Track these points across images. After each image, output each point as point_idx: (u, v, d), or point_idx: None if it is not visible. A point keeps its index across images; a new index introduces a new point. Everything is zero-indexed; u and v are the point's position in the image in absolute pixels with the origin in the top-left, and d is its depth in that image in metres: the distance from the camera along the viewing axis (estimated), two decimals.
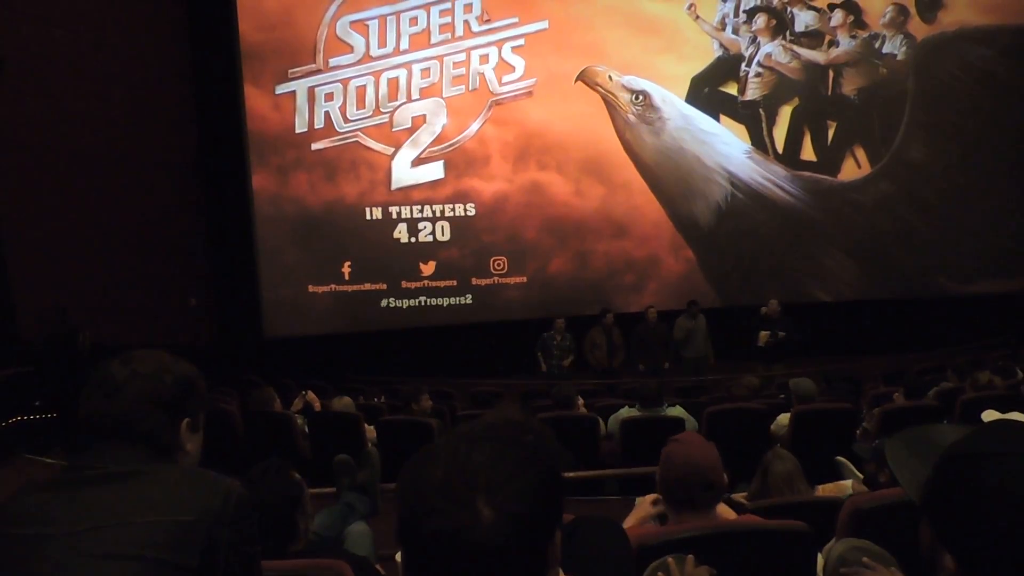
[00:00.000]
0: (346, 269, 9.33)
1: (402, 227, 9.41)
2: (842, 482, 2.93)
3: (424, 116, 9.26)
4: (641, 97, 9.38)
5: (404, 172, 9.32)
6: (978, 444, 0.84)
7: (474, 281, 9.59)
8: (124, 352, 1.26)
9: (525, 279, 9.69)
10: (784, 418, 4.51)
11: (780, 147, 9.88)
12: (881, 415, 4.31)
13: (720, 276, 9.87)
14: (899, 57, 9.81)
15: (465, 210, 9.51)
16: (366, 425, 4.76)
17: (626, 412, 4.70)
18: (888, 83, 9.83)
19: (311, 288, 9.32)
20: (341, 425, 4.74)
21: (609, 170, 9.63)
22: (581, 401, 5.08)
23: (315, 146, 9.17)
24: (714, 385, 7.58)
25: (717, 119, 9.76)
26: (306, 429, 4.82)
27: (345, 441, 4.42)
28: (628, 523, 1.96)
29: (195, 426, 1.29)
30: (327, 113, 9.12)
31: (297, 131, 9.13)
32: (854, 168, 9.95)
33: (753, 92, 9.78)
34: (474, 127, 9.40)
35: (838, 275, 10.02)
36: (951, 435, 0.91)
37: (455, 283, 9.54)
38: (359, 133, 9.21)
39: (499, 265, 9.63)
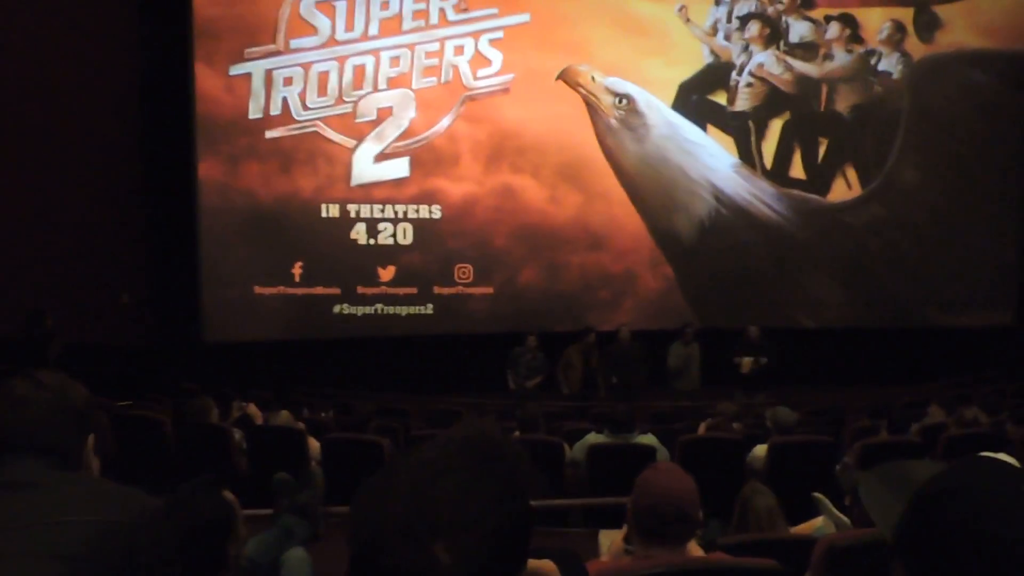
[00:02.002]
0: (297, 270, 9.27)
1: (360, 227, 9.38)
2: (815, 520, 2.94)
3: (391, 108, 9.25)
4: (625, 101, 9.47)
5: (366, 168, 9.30)
6: (952, 481, 0.85)
7: (436, 290, 9.58)
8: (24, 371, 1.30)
9: (492, 290, 9.71)
10: (761, 449, 4.57)
11: (769, 162, 10.06)
12: (861, 449, 4.40)
13: (699, 296, 9.98)
14: (895, 76, 10.07)
15: (430, 212, 9.50)
16: (311, 441, 4.74)
17: (594, 438, 4.72)
18: (883, 102, 10.09)
19: (258, 289, 9.24)
20: (283, 441, 4.74)
21: (587, 177, 9.71)
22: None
23: (270, 134, 9.11)
24: (690, 412, 7.64)
25: (704, 129, 9.91)
26: (244, 444, 4.80)
27: (286, 458, 4.39)
28: (604, 559, 1.97)
29: (97, 447, 1.34)
30: (285, 99, 9.06)
31: (251, 117, 9.06)
32: (844, 189, 10.17)
33: (743, 103, 9.96)
34: (444, 123, 9.41)
35: (823, 300, 10.21)
36: (927, 471, 0.93)
37: (415, 291, 9.52)
38: (319, 123, 9.17)
39: (464, 274, 9.63)
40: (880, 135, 10.13)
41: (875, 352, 9.85)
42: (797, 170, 10.15)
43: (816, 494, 3.57)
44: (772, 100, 10.01)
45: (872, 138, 10.16)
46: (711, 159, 9.88)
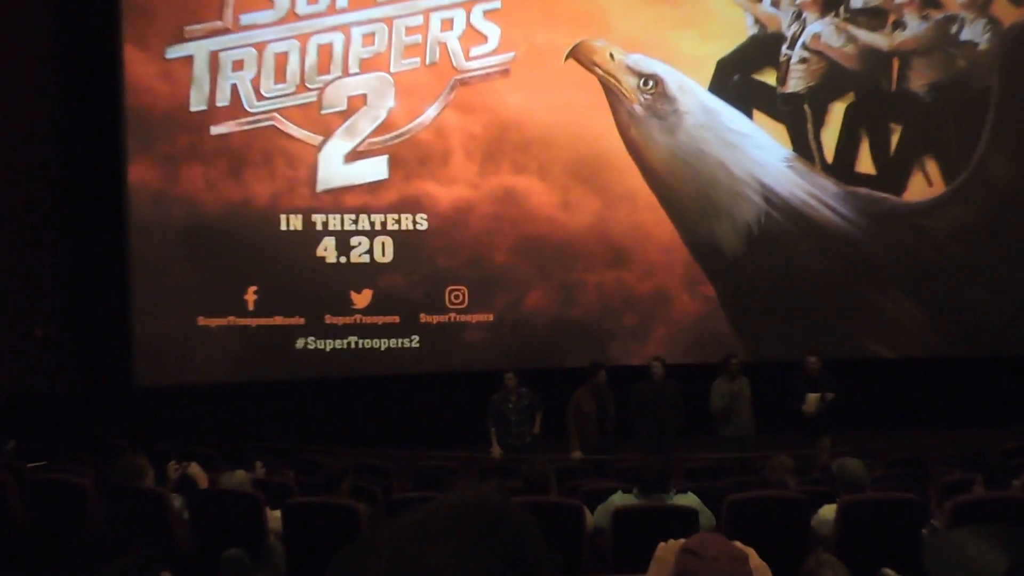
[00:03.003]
0: (251, 297, 9.30)
1: (329, 242, 9.42)
2: None
3: (364, 96, 9.32)
4: (651, 83, 9.54)
5: (335, 169, 9.35)
6: None
7: (423, 318, 9.60)
8: None
9: (492, 317, 9.75)
10: (828, 511, 4.58)
11: (830, 155, 10.10)
12: (953, 510, 4.37)
13: (747, 321, 10.00)
14: (981, 46, 10.13)
15: (414, 223, 9.54)
16: (268, 510, 4.74)
17: (620, 499, 4.72)
18: (967, 78, 10.16)
19: (202, 321, 9.26)
20: (234, 509, 4.74)
21: (607, 177, 9.75)
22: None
23: (216, 130, 9.16)
24: (738, 466, 7.68)
25: (749, 116, 9.97)
26: (186, 513, 4.80)
27: (239, 531, 4.43)
28: None
29: None
30: (234, 87, 9.13)
31: (192, 109, 9.12)
32: (923, 186, 10.21)
33: (796, 83, 10.02)
34: (430, 113, 9.47)
35: (899, 324, 10.20)
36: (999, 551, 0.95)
37: (398, 320, 9.55)
38: (276, 115, 9.23)
39: (457, 298, 9.65)
40: (965, 119, 10.18)
41: (963, 387, 9.84)
42: (865, 164, 10.19)
43: (886, 571, 3.54)
44: (832, 78, 10.08)
45: (956, 123, 10.22)
46: (758, 152, 9.93)
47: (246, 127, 9.20)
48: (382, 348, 9.51)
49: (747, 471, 7.34)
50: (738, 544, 1.90)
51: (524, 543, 0.87)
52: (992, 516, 4.15)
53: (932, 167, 10.23)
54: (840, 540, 4.32)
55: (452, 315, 9.66)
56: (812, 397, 8.03)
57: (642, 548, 4.05)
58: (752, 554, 1.90)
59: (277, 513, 4.74)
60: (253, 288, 9.28)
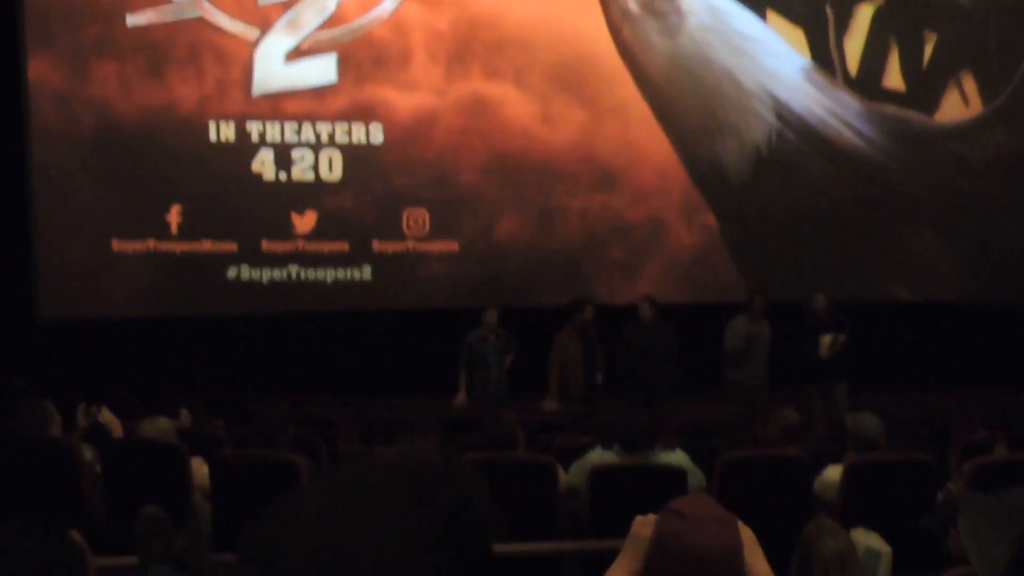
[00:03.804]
0: (174, 218, 9.28)
1: (267, 156, 9.41)
2: None
3: None
4: None
5: (274, 70, 9.31)
6: None
7: (377, 246, 9.66)
8: None
9: (457, 246, 9.81)
10: (834, 472, 4.70)
11: (853, 67, 10.12)
12: (972, 472, 4.53)
13: (754, 256, 10.13)
14: None
15: (368, 134, 9.53)
16: (194, 462, 4.78)
17: (599, 456, 4.80)
18: None
19: (117, 246, 9.26)
20: (153, 461, 4.79)
21: (595, 86, 9.75)
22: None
23: (132, 20, 9.05)
24: (740, 422, 7.76)
25: (763, 18, 9.97)
26: (97, 466, 4.83)
27: (158, 486, 4.44)
28: None
29: None
30: None
31: None
32: (959, 105, 10.27)
33: None
34: (388, 6, 9.41)
35: (928, 265, 10.38)
36: None
37: (347, 247, 9.59)
38: (204, 3, 9.14)
39: (417, 223, 9.70)
40: (1009, 29, 10.20)
41: (995, 338, 10.02)
42: (894, 78, 10.22)
43: (858, 531, 3.68)
44: None
45: (999, 32, 10.22)
46: (772, 60, 9.95)
47: (168, 17, 9.10)
48: (328, 280, 9.58)
49: (750, 427, 7.54)
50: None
51: (467, 506, 0.89)
52: (1013, 480, 4.18)
53: (969, 83, 10.27)
54: (845, 505, 4.42)
55: (410, 243, 9.71)
56: (825, 339, 8.28)
57: (622, 511, 4.11)
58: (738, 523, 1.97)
59: (204, 467, 4.79)
60: (177, 208, 9.25)
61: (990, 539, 0.98)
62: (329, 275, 9.59)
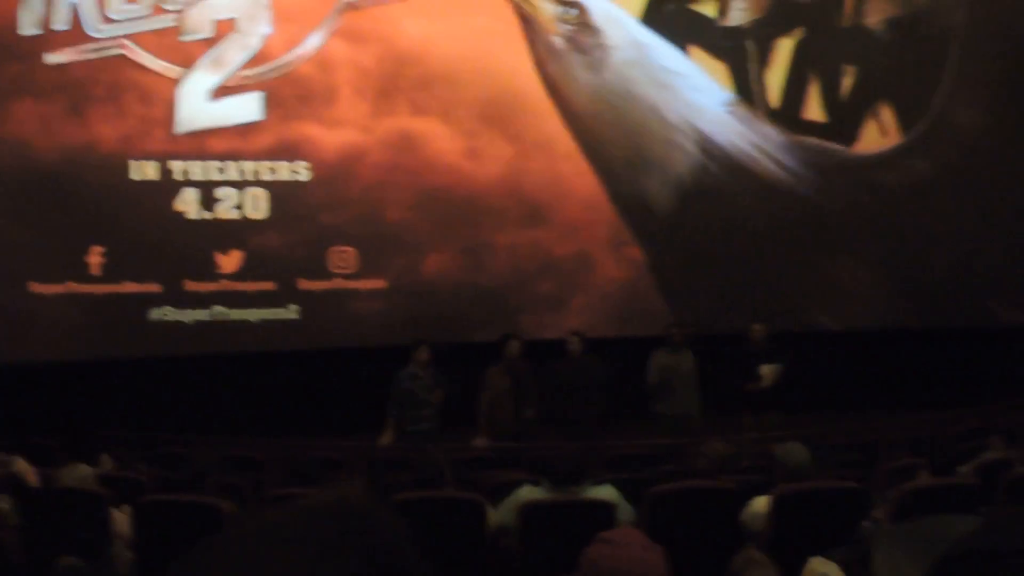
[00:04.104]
0: (95, 259, 9.30)
1: (190, 195, 9.49)
2: None
3: (234, 21, 9.41)
4: (573, 11, 9.87)
5: (198, 108, 9.41)
6: (990, 540, 0.96)
7: (303, 284, 9.79)
8: None
9: (385, 284, 9.97)
10: (760, 504, 4.71)
11: (775, 99, 10.63)
12: (898, 499, 4.64)
13: (680, 288, 10.42)
14: None
15: (293, 172, 9.72)
16: (115, 511, 4.81)
17: (528, 493, 4.84)
18: (929, 15, 10.75)
19: (35, 287, 9.22)
20: (72, 510, 4.74)
21: (521, 121, 10.04)
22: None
23: (52, 58, 9.08)
24: (670, 453, 7.89)
25: (685, 52, 10.40)
26: (13, 517, 4.83)
27: (78, 536, 4.42)
28: None
29: None
30: (74, 7, 9.08)
31: (22, 33, 9.03)
32: (878, 136, 10.85)
33: (739, 15, 10.50)
34: (313, 42, 9.62)
35: (849, 292, 10.85)
36: (964, 529, 1.03)
37: (273, 287, 9.70)
38: (126, 42, 9.22)
39: (344, 261, 9.86)
40: (925, 61, 10.79)
41: (919, 363, 10.48)
42: (814, 110, 10.76)
43: (815, 560, 3.97)
44: (779, 11, 10.59)
45: (915, 66, 10.82)
46: (695, 95, 10.37)
47: (89, 55, 9.13)
48: (254, 320, 9.65)
49: (682, 459, 7.52)
50: None
51: (390, 551, 0.91)
52: (935, 506, 4.44)
53: (888, 115, 10.85)
54: (772, 535, 4.47)
55: (337, 281, 9.83)
56: (766, 369, 8.58)
57: (552, 548, 4.29)
58: None
59: (126, 514, 4.79)
60: (98, 249, 9.25)
61: (905, 569, 1.06)
62: (255, 315, 9.63)
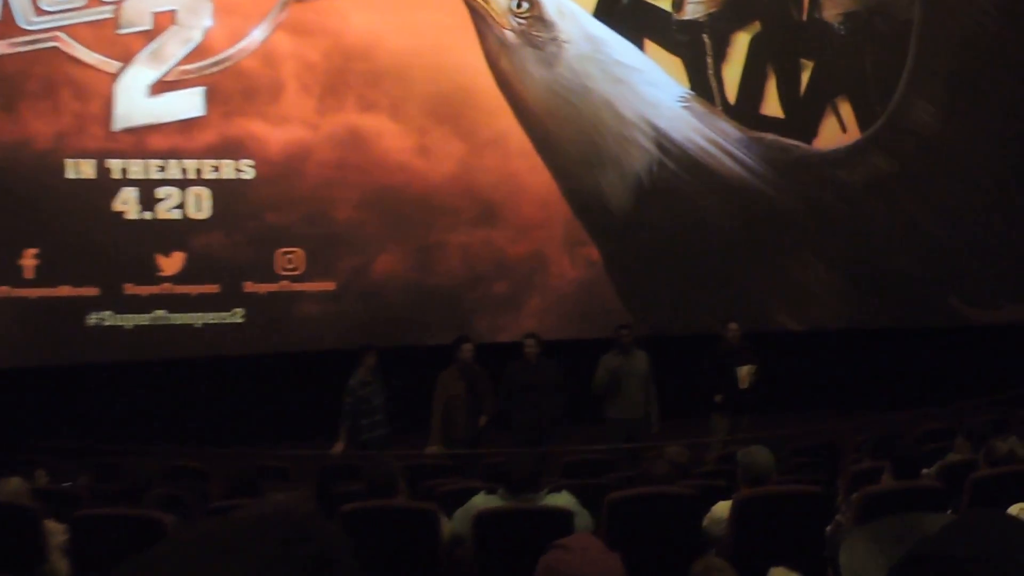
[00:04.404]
0: (29, 262, 9.28)
1: (130, 194, 9.53)
2: None
3: (174, 13, 9.49)
4: (526, 5, 10.07)
5: (137, 103, 9.46)
6: (950, 544, 0.98)
7: (249, 287, 9.87)
8: None
9: (333, 286, 10.09)
10: (722, 509, 4.86)
11: (732, 95, 10.93)
12: (862, 503, 4.69)
13: (638, 289, 10.67)
14: None
15: (237, 170, 9.80)
16: (50, 523, 4.78)
17: (483, 501, 4.90)
18: (887, 8, 11.11)
19: None
20: (4, 525, 4.75)
21: (472, 117, 10.23)
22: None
23: None
24: (627, 458, 8.21)
25: (640, 47, 10.67)
26: None
27: (11, 551, 4.47)
28: None
29: None
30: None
31: None
32: (836, 132, 11.22)
33: (695, 8, 10.78)
34: (257, 36, 9.74)
35: (811, 292, 11.19)
36: (930, 528, 1.07)
37: (217, 289, 9.77)
38: (61, 34, 9.23)
39: (291, 262, 9.95)
40: (885, 56, 11.17)
41: (881, 363, 10.85)
42: (771, 105, 11.10)
43: (777, 570, 4.14)
44: (735, 5, 10.90)
45: (873, 60, 11.20)
46: (650, 89, 10.63)
47: (22, 49, 9.15)
48: (198, 324, 9.69)
49: (638, 464, 7.45)
50: None
51: (329, 563, 0.93)
52: (899, 510, 4.65)
53: (846, 110, 11.21)
54: (734, 541, 4.58)
55: (285, 283, 9.92)
56: (743, 370, 8.76)
57: (508, 557, 4.34)
58: None
59: (60, 527, 4.76)
60: (32, 251, 9.22)
61: (867, 571, 1.07)
62: (198, 319, 9.69)
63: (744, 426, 8.83)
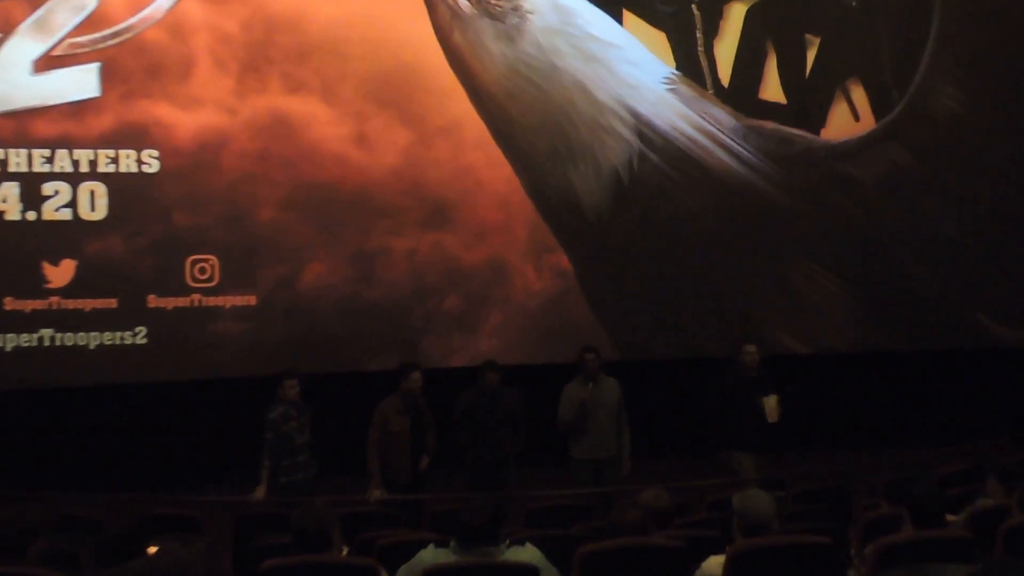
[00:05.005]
0: None
1: (9, 190, 9.38)
2: None
3: None
4: None
5: (18, 82, 9.33)
6: None
7: (153, 302, 9.70)
8: None
9: (255, 300, 9.95)
10: (716, 563, 4.76)
11: (725, 76, 10.80)
12: (879, 556, 4.65)
13: (616, 304, 10.54)
14: None
15: (140, 163, 9.62)
16: None
17: (432, 556, 4.83)
18: None
19: None
20: None
21: (421, 101, 10.09)
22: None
23: None
24: (600, 504, 8.11)
25: (619, 19, 10.53)
26: None
27: None
28: None
29: None
30: None
31: None
32: (848, 119, 11.11)
33: None
34: (163, 3, 9.56)
35: (820, 309, 11.04)
36: None
37: (115, 304, 9.60)
38: None
39: (204, 272, 9.80)
40: (903, 31, 11.08)
41: (897, 391, 10.75)
42: (772, 89, 10.97)
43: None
44: None
45: (890, 36, 11.10)
46: (630, 69, 10.49)
47: None
48: (91, 346, 9.51)
49: (610, 511, 7.58)
50: None
51: None
52: (920, 563, 4.40)
53: (859, 95, 11.09)
54: None
55: (196, 297, 9.77)
56: (771, 400, 8.58)
57: None
58: None
59: None
60: None
61: None
62: (93, 340, 9.50)
63: (772, 465, 8.76)
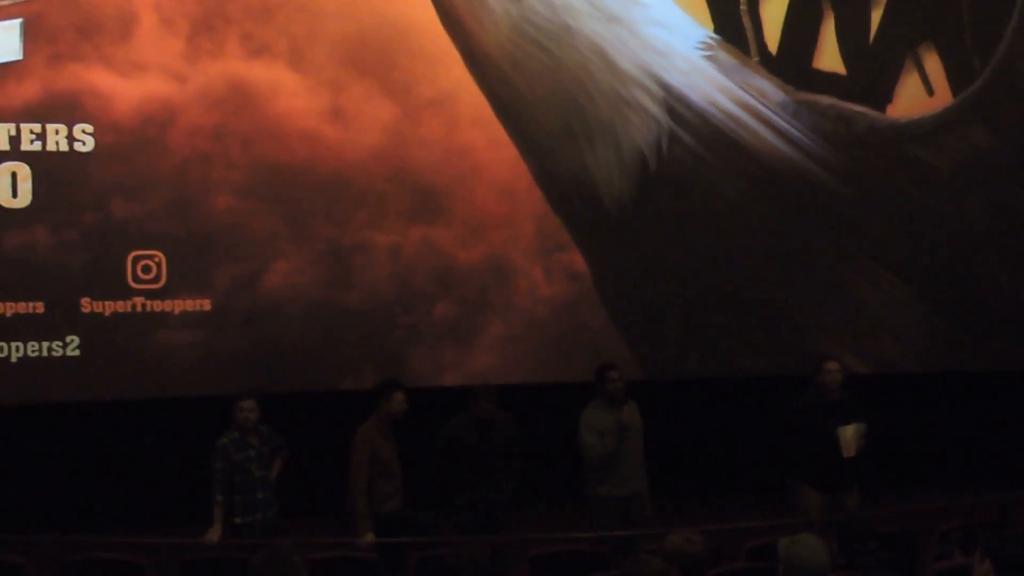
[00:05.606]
0: None
1: None
2: None
3: None
4: None
5: None
6: None
7: (88, 306, 9.61)
8: None
9: (209, 304, 9.84)
10: None
11: (773, 42, 10.62)
12: None
13: (638, 314, 10.40)
14: None
15: (71, 139, 9.51)
16: None
17: None
18: None
19: None
20: None
21: (408, 69, 9.99)
22: None
23: None
24: (619, 548, 7.85)
25: None
26: None
27: None
28: None
29: None
30: None
31: None
32: (919, 94, 10.91)
33: None
34: None
35: (883, 319, 10.87)
36: None
37: (42, 308, 9.52)
38: None
39: (148, 271, 9.70)
40: None
41: (975, 419, 10.59)
42: (828, 58, 10.77)
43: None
44: None
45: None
46: (659, 32, 10.31)
47: None
48: (12, 358, 9.46)
49: (630, 558, 7.55)
50: None
51: None
52: None
53: (933, 65, 10.90)
54: None
55: (139, 300, 9.66)
56: (848, 430, 8.41)
57: None
58: None
59: None
60: None
61: None
62: (14, 351, 9.45)
63: (849, 505, 8.66)
